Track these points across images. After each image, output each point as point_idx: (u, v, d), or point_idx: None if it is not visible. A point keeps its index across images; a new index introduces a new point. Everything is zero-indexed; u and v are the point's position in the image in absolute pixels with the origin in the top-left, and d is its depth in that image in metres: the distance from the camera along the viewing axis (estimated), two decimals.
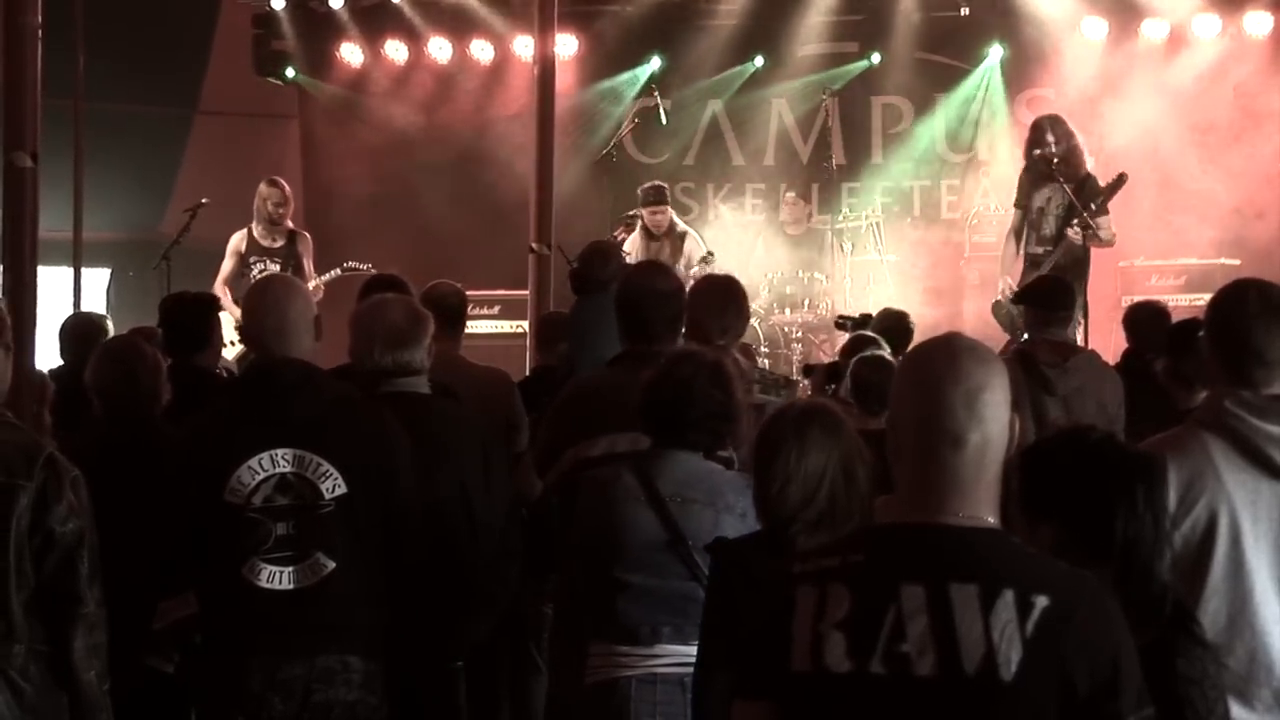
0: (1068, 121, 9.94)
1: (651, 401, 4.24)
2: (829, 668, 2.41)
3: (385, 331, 4.77)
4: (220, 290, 9.90)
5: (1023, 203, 9.83)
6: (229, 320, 8.45)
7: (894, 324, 7.15)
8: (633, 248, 11.00)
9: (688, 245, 11.10)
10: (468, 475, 4.70)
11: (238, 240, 10.31)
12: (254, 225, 10.33)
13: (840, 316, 8.56)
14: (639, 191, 11.42)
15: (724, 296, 5.37)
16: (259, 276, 9.93)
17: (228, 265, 10.25)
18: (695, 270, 10.62)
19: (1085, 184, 9.59)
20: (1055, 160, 9.53)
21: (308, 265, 10.34)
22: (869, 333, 6.86)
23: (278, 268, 10.07)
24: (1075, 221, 9.37)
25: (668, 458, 4.19)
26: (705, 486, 4.17)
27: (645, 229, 11.13)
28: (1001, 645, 2.35)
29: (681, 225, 11.24)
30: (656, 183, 11.43)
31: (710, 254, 10.92)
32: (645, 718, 4.07)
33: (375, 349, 4.75)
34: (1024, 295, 6.99)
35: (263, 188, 10.40)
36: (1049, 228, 9.63)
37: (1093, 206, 9.37)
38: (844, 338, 8.84)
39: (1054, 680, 2.35)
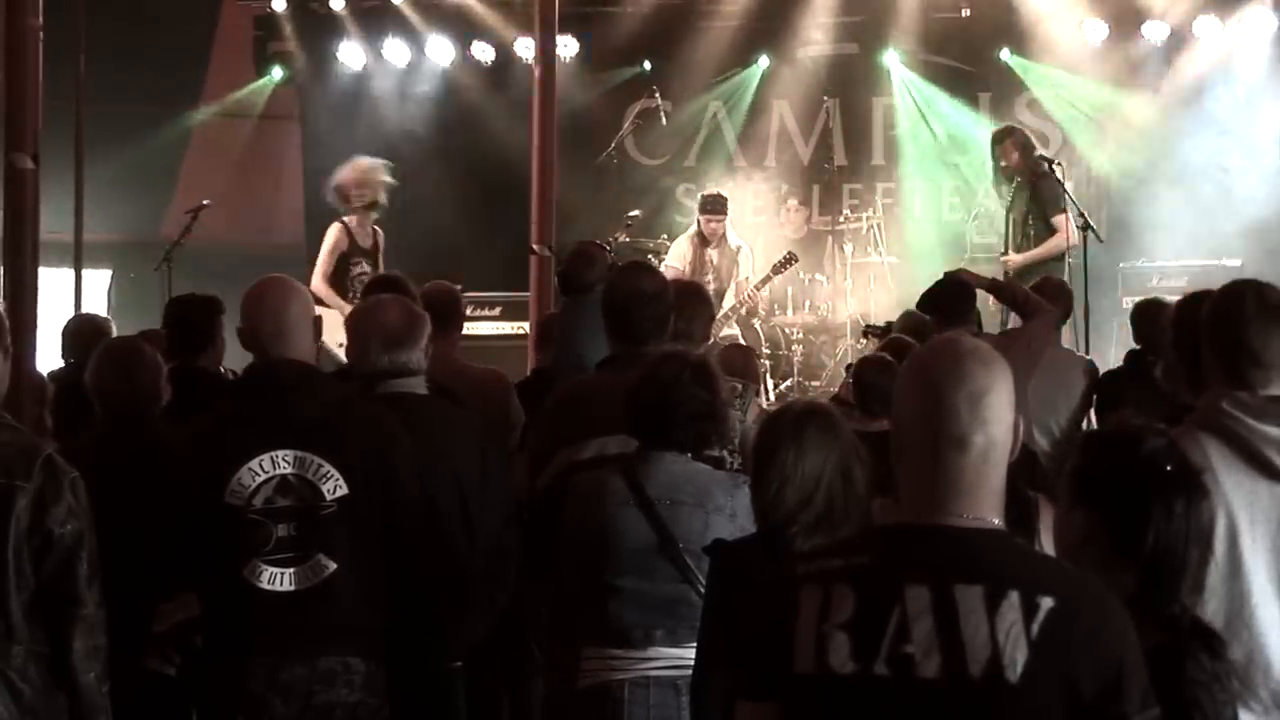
0: (1017, 129, 10.13)
1: (636, 404, 4.24)
2: (833, 669, 2.41)
3: (381, 332, 4.76)
4: (321, 288, 9.62)
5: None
6: (336, 319, 8.31)
7: (916, 328, 7.12)
8: (679, 254, 10.94)
9: (742, 261, 11.04)
10: (464, 476, 4.69)
11: (336, 237, 9.98)
12: (352, 222, 10.00)
13: (867, 326, 8.60)
14: (699, 197, 11.35)
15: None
16: (356, 276, 9.88)
17: (327, 262, 9.97)
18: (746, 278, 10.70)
19: (1044, 181, 9.63)
20: (1029, 163, 9.62)
21: (380, 264, 10.09)
22: (906, 337, 6.81)
23: (369, 271, 9.83)
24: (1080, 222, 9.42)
25: (655, 460, 4.20)
26: (694, 488, 4.17)
27: (699, 234, 11.06)
28: (1007, 647, 2.34)
29: (737, 240, 11.17)
30: (718, 192, 11.33)
31: (790, 255, 10.89)
32: None
33: (372, 350, 4.75)
34: (925, 301, 6.91)
35: (353, 169, 10.05)
36: (1015, 231, 9.68)
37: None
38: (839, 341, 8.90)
39: (1059, 682, 2.34)
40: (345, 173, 10.11)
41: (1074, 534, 2.81)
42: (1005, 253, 9.88)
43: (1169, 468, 2.81)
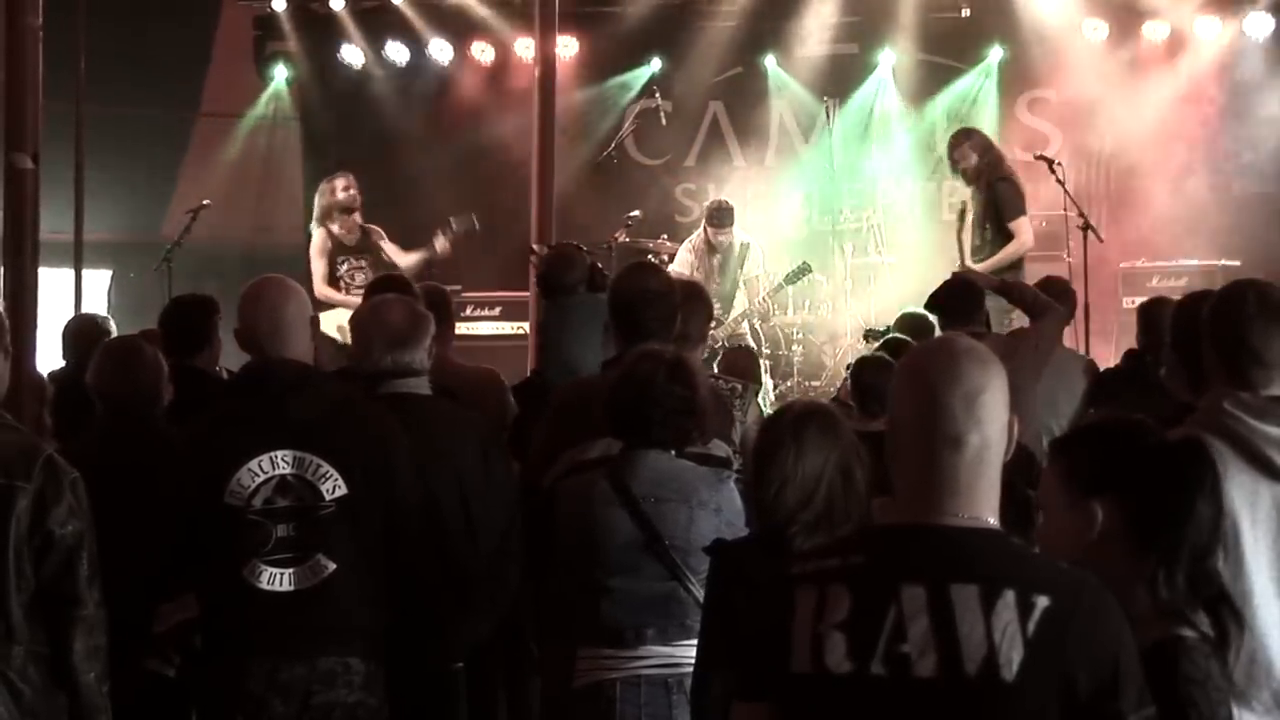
0: (973, 134, 9.98)
1: (615, 403, 4.26)
2: (829, 669, 2.41)
3: (384, 332, 4.76)
4: (324, 292, 9.75)
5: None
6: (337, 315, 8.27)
7: (916, 328, 7.10)
8: (685, 261, 10.91)
9: (751, 259, 10.92)
10: (466, 476, 4.69)
11: (320, 241, 10.10)
12: (330, 224, 10.10)
13: (868, 330, 8.58)
14: (705, 207, 11.24)
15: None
16: (346, 273, 9.95)
17: (322, 267, 10.02)
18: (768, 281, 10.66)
19: (1005, 182, 9.51)
20: (980, 164, 9.52)
21: (389, 251, 10.11)
22: (904, 336, 6.79)
23: (364, 263, 9.99)
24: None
25: (638, 459, 4.22)
26: (678, 484, 4.19)
27: (705, 241, 10.98)
28: (1003, 646, 2.35)
29: (744, 236, 11.05)
30: (724, 201, 11.16)
31: (804, 265, 10.85)
32: None
33: (375, 350, 4.75)
34: (932, 302, 6.89)
35: (335, 182, 10.19)
36: (977, 233, 9.58)
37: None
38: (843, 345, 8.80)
39: (1055, 680, 2.35)
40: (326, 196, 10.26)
41: (1090, 527, 2.76)
42: (961, 260, 9.52)
43: (1193, 450, 2.82)
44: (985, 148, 9.68)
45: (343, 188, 10.19)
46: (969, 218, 9.68)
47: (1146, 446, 2.82)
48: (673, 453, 4.27)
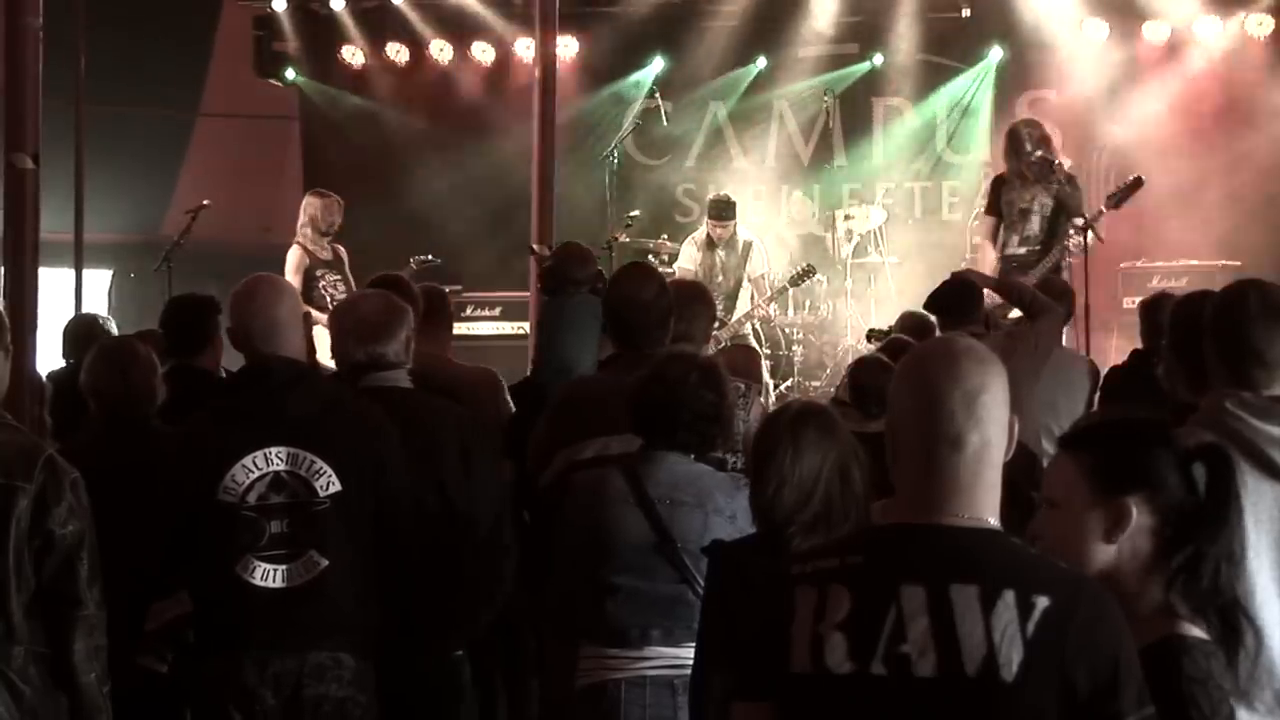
0: (1044, 125, 9.90)
1: (641, 403, 4.24)
2: (829, 669, 2.41)
3: (357, 325, 4.73)
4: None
5: (996, 208, 9.70)
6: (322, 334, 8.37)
7: (917, 328, 7.10)
8: (689, 256, 10.91)
9: (754, 257, 10.95)
10: (445, 470, 4.62)
11: (297, 258, 10.21)
12: (306, 241, 10.25)
13: (871, 330, 8.58)
14: (707, 201, 11.30)
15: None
16: (325, 287, 9.99)
17: (297, 283, 9.94)
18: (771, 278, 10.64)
19: (1072, 183, 9.51)
20: (1055, 162, 9.47)
21: (350, 276, 10.30)
22: (905, 337, 6.78)
23: (338, 278, 10.13)
24: (1073, 228, 9.25)
25: (657, 460, 4.20)
26: (695, 489, 4.17)
27: (707, 237, 11.00)
28: (1002, 646, 2.35)
29: (747, 235, 11.10)
30: (726, 195, 11.24)
31: (809, 267, 10.86)
32: None
33: (349, 344, 4.72)
34: (931, 302, 6.88)
35: (320, 200, 10.36)
36: (1033, 228, 9.54)
37: (1102, 210, 9.28)
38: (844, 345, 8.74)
39: (1055, 681, 2.35)
40: (311, 209, 10.39)
41: (1119, 524, 2.73)
42: (1020, 249, 9.43)
43: (1224, 455, 2.81)
44: (1048, 140, 9.61)
45: (332, 210, 10.34)
46: (1032, 209, 9.53)
47: (1183, 448, 2.79)
48: (692, 456, 4.26)
